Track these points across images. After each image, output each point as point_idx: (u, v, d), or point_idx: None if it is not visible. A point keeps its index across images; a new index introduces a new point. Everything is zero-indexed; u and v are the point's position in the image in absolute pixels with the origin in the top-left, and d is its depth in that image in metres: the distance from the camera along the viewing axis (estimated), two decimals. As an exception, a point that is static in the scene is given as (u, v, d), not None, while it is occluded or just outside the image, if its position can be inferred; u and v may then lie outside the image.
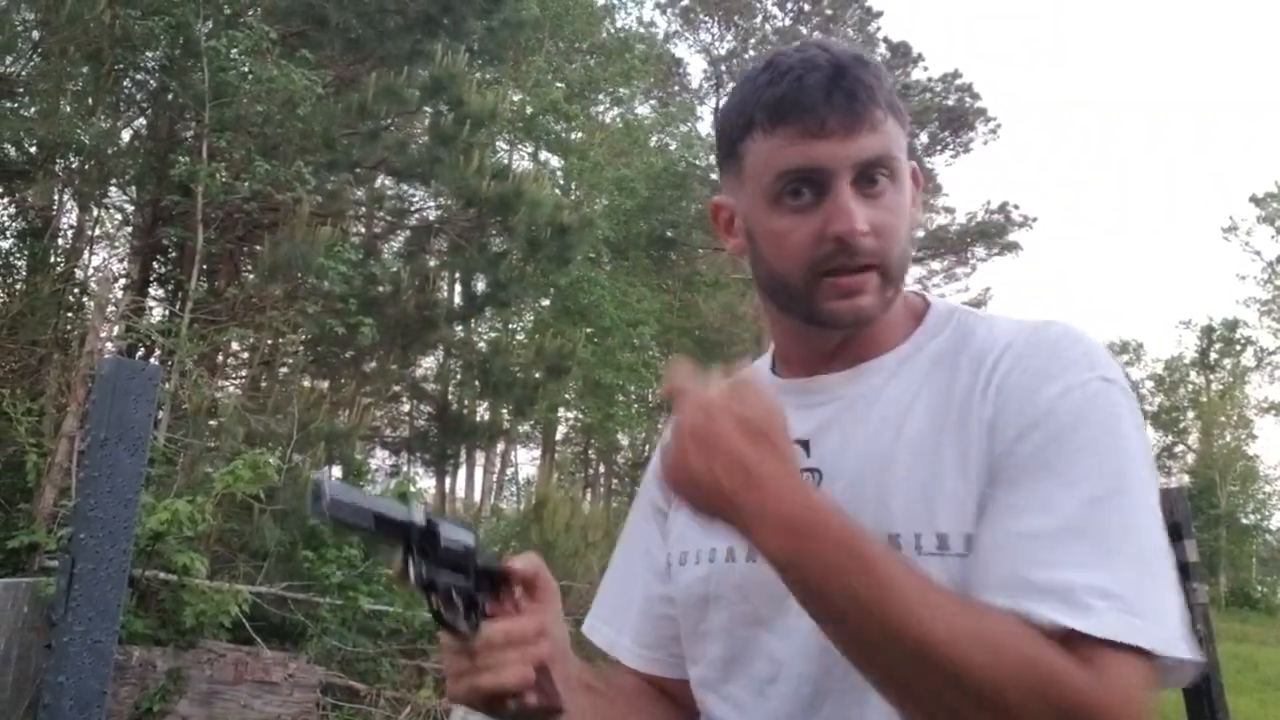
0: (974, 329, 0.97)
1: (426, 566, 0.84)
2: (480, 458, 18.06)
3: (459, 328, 12.03)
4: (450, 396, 12.54)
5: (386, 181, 10.85)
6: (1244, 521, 30.92)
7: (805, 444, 0.96)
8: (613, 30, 18.77)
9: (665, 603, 1.09)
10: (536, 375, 10.67)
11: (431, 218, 11.21)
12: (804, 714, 0.92)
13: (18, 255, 8.61)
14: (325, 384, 10.16)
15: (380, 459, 12.34)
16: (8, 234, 8.67)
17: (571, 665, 0.94)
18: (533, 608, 0.91)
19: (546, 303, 15.20)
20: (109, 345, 7.07)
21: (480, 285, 11.06)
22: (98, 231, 9.44)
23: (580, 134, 16.33)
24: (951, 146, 23.09)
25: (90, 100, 8.21)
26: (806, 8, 22.90)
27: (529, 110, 14.32)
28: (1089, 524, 0.79)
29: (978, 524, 0.85)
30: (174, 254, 8.98)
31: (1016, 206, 23.43)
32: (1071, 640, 0.74)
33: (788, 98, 0.90)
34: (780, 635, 0.94)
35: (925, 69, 23.35)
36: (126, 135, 8.99)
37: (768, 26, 22.88)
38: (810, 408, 0.98)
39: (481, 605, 0.88)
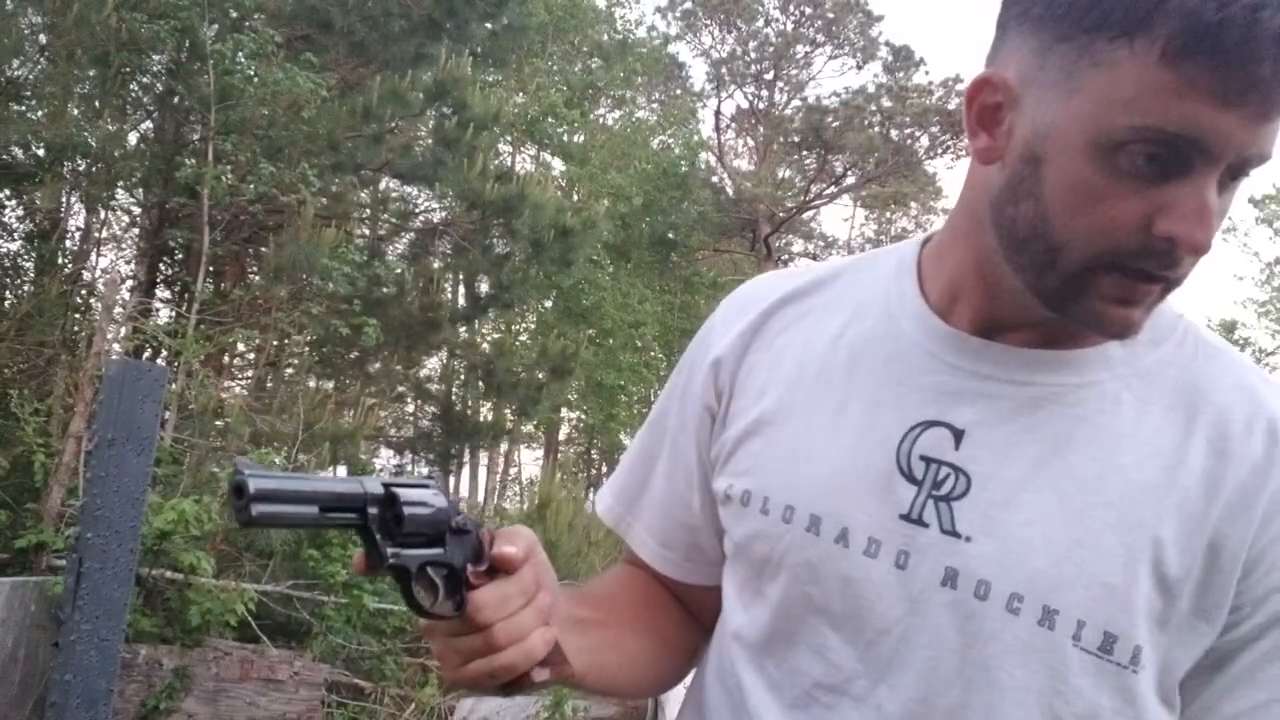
0: (1206, 367, 0.75)
1: (394, 547, 0.70)
2: (484, 458, 18.09)
3: (463, 329, 12.05)
4: (454, 397, 12.57)
5: (391, 184, 10.89)
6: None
7: (958, 433, 0.75)
8: (614, 34, 18.79)
9: (689, 511, 0.92)
10: (539, 376, 10.70)
11: (435, 220, 11.24)
12: None
13: (25, 257, 8.66)
14: (330, 384, 10.20)
15: (385, 459, 12.38)
16: (15, 236, 8.72)
17: (559, 606, 0.80)
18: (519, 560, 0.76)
19: (549, 304, 15.24)
20: (116, 346, 7.12)
21: (484, 287, 11.10)
22: (105, 234, 9.50)
23: (581, 137, 16.37)
24: (952, 150, 23.05)
25: (97, 103, 8.26)
26: (808, 11, 22.90)
27: (531, 113, 14.36)
28: None
29: (1177, 669, 0.71)
30: (180, 256, 9.02)
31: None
32: None
33: (1212, 35, 0.60)
34: (847, 638, 0.77)
35: (927, 73, 23.40)
36: (133, 138, 9.02)
37: (769, 30, 22.88)
38: (980, 379, 0.76)
39: (464, 575, 0.73)
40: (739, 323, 0.89)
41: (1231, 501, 0.70)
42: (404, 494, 0.71)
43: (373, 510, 0.69)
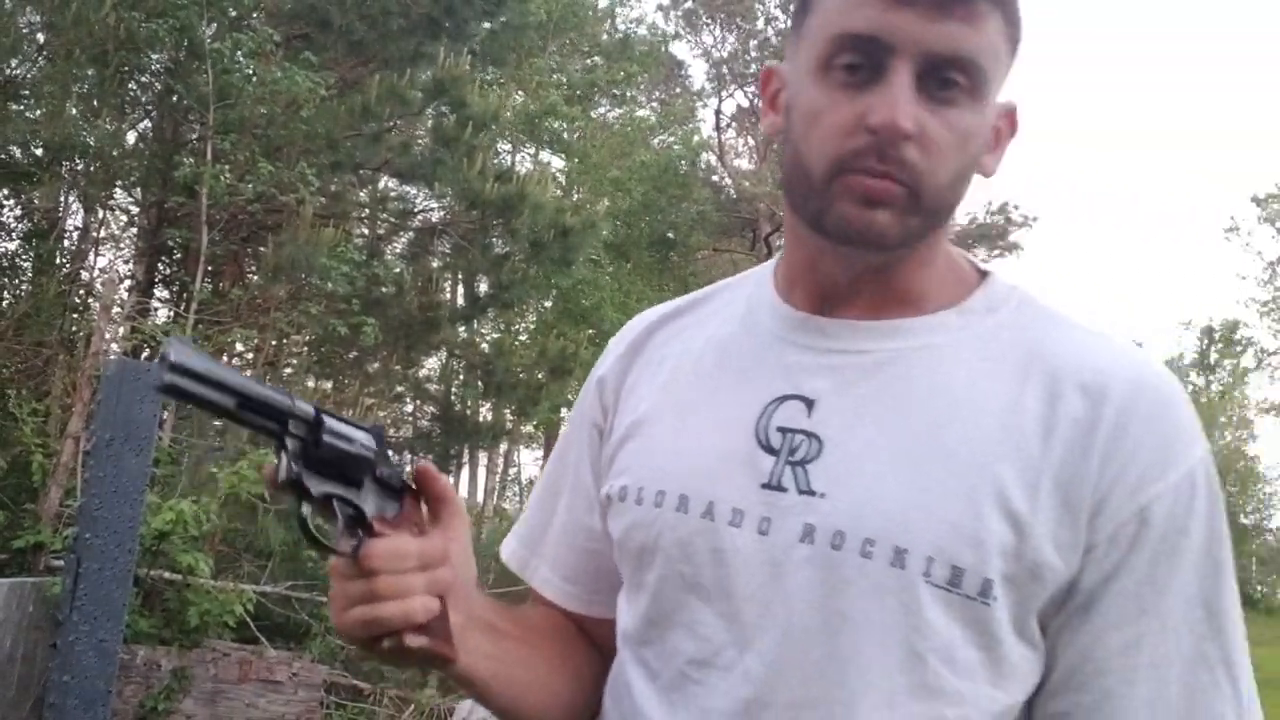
0: (1046, 330, 0.80)
1: (302, 466, 0.71)
2: (483, 458, 18.10)
3: (462, 329, 12.04)
4: (453, 397, 12.56)
5: (390, 183, 10.88)
6: (1244, 522, 30.84)
7: (809, 402, 0.80)
8: (614, 32, 18.78)
9: (591, 535, 0.94)
10: (539, 376, 10.69)
11: (434, 219, 11.23)
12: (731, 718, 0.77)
13: (24, 256, 8.65)
14: (329, 384, 10.19)
15: (383, 459, 12.35)
16: (14, 235, 8.71)
17: (474, 603, 0.82)
18: (436, 531, 0.79)
19: (549, 304, 15.23)
20: (114, 346, 7.11)
21: (483, 286, 11.08)
22: (103, 233, 9.49)
23: (581, 135, 16.36)
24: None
25: (95, 102, 8.24)
26: (809, 9, 22.90)
27: (531, 111, 14.35)
28: (1214, 647, 0.75)
29: (1026, 589, 0.74)
30: (178, 255, 9.01)
31: (1017, 207, 23.40)
32: None
33: None
34: (718, 611, 0.79)
35: (927, 70, 23.33)
36: (131, 137, 9.02)
37: (770, 29, 22.88)
38: (823, 354, 0.82)
39: (370, 522, 0.74)
40: (620, 346, 0.97)
41: (1069, 444, 0.74)
42: (332, 424, 0.73)
43: (295, 429, 0.71)
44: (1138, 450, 0.74)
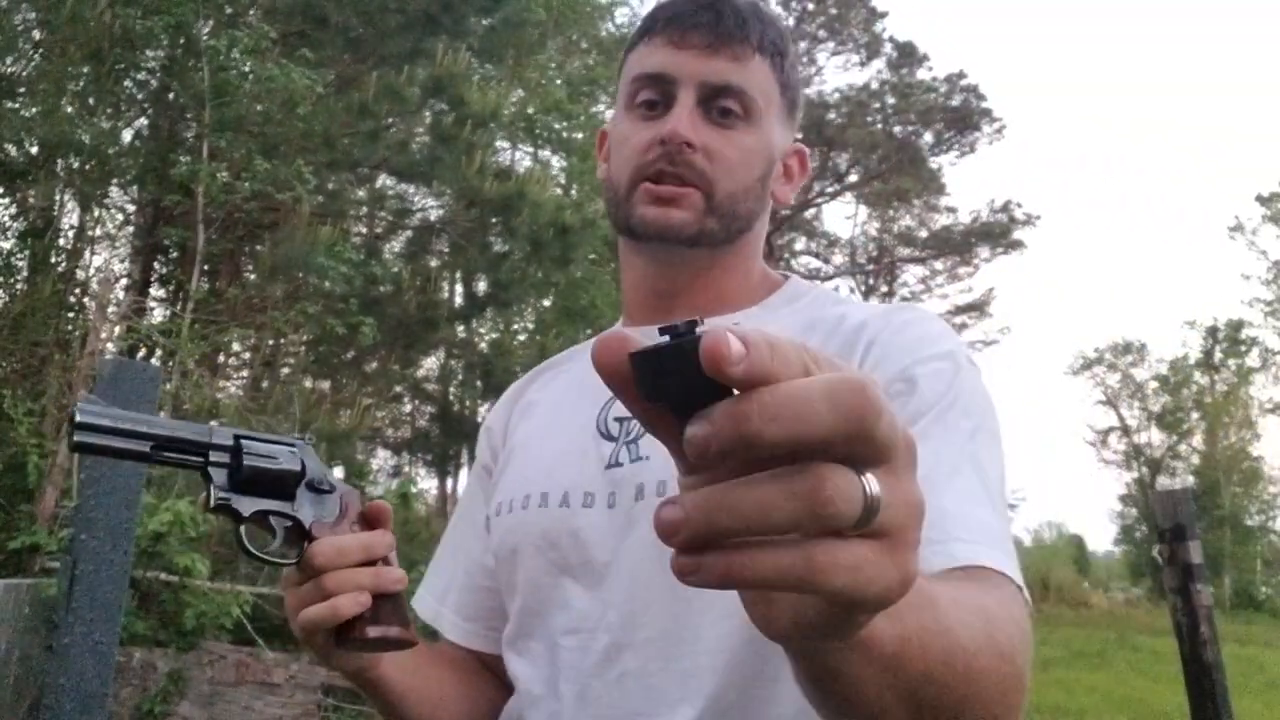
0: (830, 306, 0.96)
1: (233, 493, 0.76)
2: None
3: (460, 328, 12.02)
4: (452, 397, 12.53)
5: (387, 181, 10.85)
6: (1248, 523, 30.85)
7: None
8: (614, 29, 18.76)
9: (486, 573, 1.04)
10: (538, 375, 10.66)
11: (433, 218, 11.20)
12: (598, 667, 0.86)
13: (19, 255, 8.60)
14: (326, 384, 10.16)
15: (382, 459, 12.35)
16: (9, 234, 8.66)
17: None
18: (382, 530, 0.85)
19: (548, 303, 15.21)
20: (110, 346, 7.07)
21: (482, 285, 11.06)
22: (99, 232, 9.44)
23: (581, 134, 16.34)
24: (956, 147, 23.06)
25: (91, 100, 8.21)
26: (810, 7, 22.88)
27: (530, 109, 14.31)
28: (974, 465, 0.80)
29: None
30: (175, 254, 8.98)
31: (1020, 205, 23.40)
32: (979, 571, 0.73)
33: (667, 10, 0.93)
34: (586, 584, 0.88)
35: (930, 69, 23.30)
36: (127, 135, 8.97)
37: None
38: None
39: (308, 529, 0.79)
40: (505, 397, 1.13)
41: (867, 363, 0.86)
42: (251, 446, 0.78)
43: (217, 456, 0.76)
44: (893, 344, 0.86)
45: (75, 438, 0.71)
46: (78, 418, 0.70)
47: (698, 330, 0.37)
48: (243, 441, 0.77)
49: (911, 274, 25.18)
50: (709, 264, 0.94)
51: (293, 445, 0.81)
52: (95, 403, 0.72)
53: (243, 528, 0.78)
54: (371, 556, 0.81)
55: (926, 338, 0.88)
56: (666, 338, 0.39)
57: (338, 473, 8.16)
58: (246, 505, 0.77)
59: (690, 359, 0.37)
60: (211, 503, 0.76)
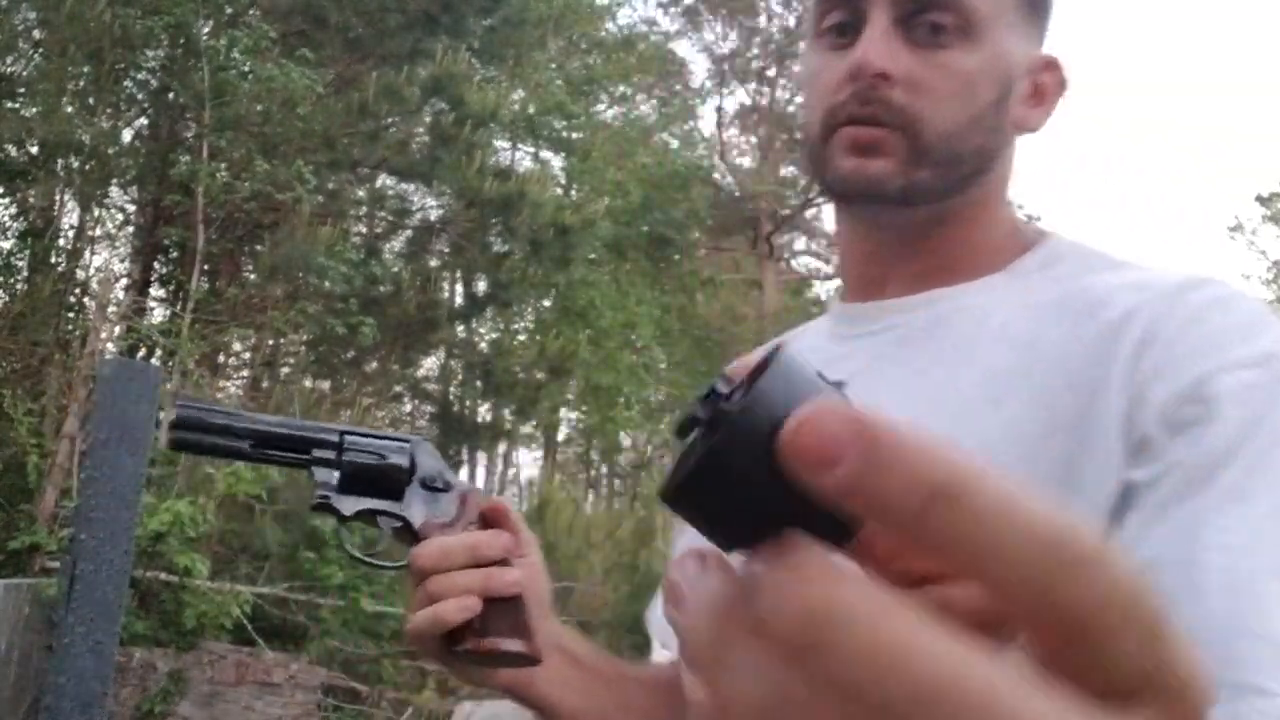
0: (1099, 272, 0.72)
1: (335, 489, 0.73)
2: (482, 458, 18.06)
3: (460, 328, 12.02)
4: (452, 397, 12.53)
5: (387, 181, 10.85)
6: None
7: (840, 385, 0.76)
8: (614, 28, 18.76)
9: None
10: (538, 376, 10.66)
11: (433, 218, 11.20)
12: None
13: (19, 255, 8.60)
14: (326, 384, 10.15)
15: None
16: (9, 234, 8.65)
17: (553, 625, 0.79)
18: (502, 531, 0.78)
19: (548, 303, 15.21)
20: (110, 346, 7.06)
21: (482, 285, 11.06)
22: (99, 231, 9.43)
23: (581, 134, 16.33)
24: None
25: (91, 100, 8.20)
26: (811, 7, 22.91)
27: (531, 109, 14.32)
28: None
29: None
30: (175, 254, 8.97)
31: (1020, 206, 23.44)
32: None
33: None
34: None
35: (928, 69, 23.32)
36: (127, 135, 8.97)
37: (772, 26, 22.89)
38: (860, 337, 0.78)
39: (416, 529, 0.75)
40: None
41: (1131, 379, 0.62)
42: (356, 441, 0.74)
43: (321, 453, 0.73)
44: (1180, 343, 0.62)
45: (173, 435, 0.69)
46: (176, 415, 0.69)
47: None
48: (348, 437, 0.74)
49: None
50: (931, 223, 0.75)
51: (405, 441, 0.78)
52: (193, 401, 0.71)
53: (343, 528, 0.75)
54: (480, 559, 0.74)
55: (1233, 331, 0.63)
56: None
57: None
58: (350, 504, 0.74)
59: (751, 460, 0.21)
60: (313, 502, 0.73)
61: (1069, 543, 0.20)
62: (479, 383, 11.33)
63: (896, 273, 0.77)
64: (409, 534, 0.75)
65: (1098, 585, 0.20)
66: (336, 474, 0.73)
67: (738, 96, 23.62)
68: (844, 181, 0.73)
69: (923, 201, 0.73)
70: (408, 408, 13.53)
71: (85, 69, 7.94)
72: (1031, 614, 0.21)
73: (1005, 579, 0.21)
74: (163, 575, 5.90)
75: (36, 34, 7.88)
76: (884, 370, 0.74)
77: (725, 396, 0.23)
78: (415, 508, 0.75)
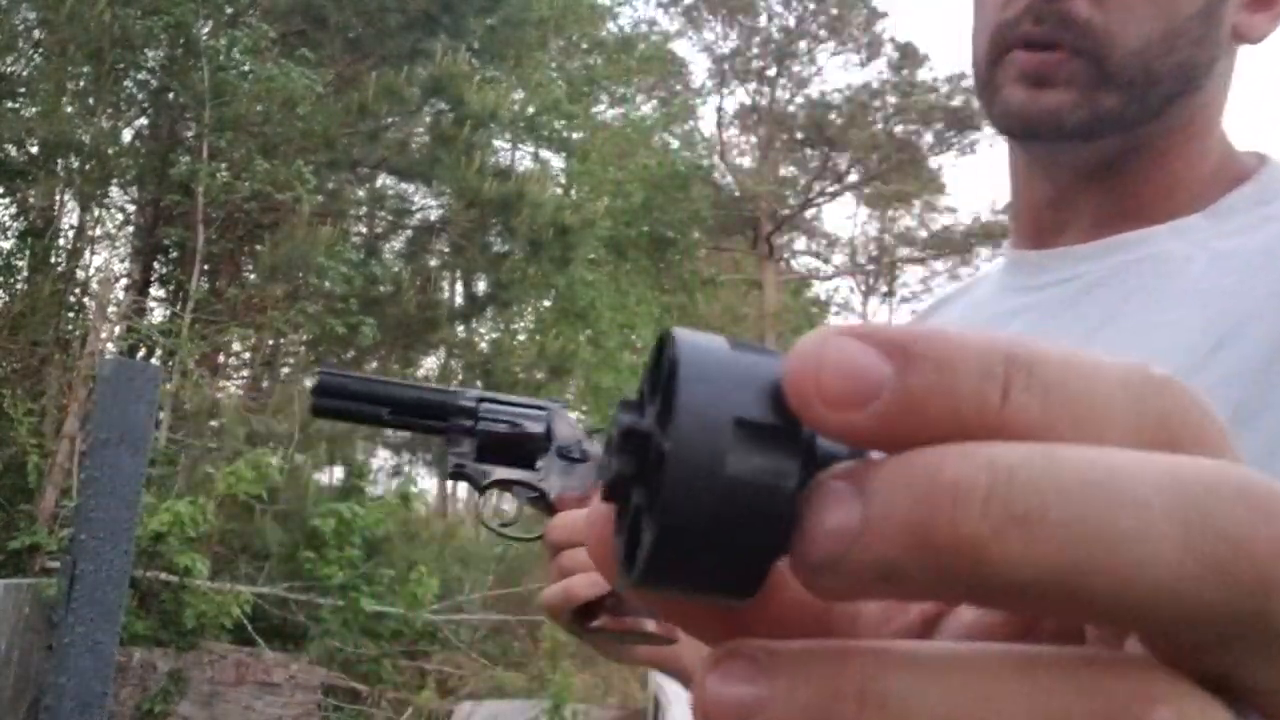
0: None
1: (467, 457, 0.72)
2: (482, 458, 18.07)
3: (460, 328, 12.01)
4: (452, 397, 12.54)
5: (387, 181, 10.84)
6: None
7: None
8: (614, 29, 18.76)
9: None
10: (538, 376, 10.66)
11: (433, 218, 11.19)
12: None
13: (19, 255, 8.59)
14: (326, 384, 10.15)
15: (382, 459, 12.31)
16: (9, 234, 8.65)
17: None
18: None
19: (548, 303, 15.21)
20: (110, 346, 7.06)
21: (481, 285, 11.05)
22: (99, 231, 9.43)
23: (581, 134, 16.33)
24: (957, 147, 23.03)
25: (91, 100, 8.20)
26: (811, 7, 22.87)
27: (530, 109, 14.31)
28: None
29: None
30: (175, 254, 8.97)
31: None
32: None
33: None
34: None
35: (931, 69, 23.28)
36: (127, 135, 8.97)
37: (772, 26, 22.88)
38: (1029, 291, 0.69)
39: (551, 500, 0.73)
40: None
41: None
42: (490, 409, 0.73)
43: (458, 420, 0.73)
44: None
45: (315, 402, 0.70)
46: (318, 381, 0.71)
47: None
48: (483, 404, 0.73)
49: (912, 274, 25.17)
50: (1120, 157, 0.65)
51: (543, 408, 0.75)
52: (334, 369, 0.73)
53: (481, 497, 0.74)
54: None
55: None
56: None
57: (338, 472, 8.16)
58: (485, 473, 0.73)
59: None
60: (448, 471, 0.73)
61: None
62: (479, 383, 11.33)
63: (1077, 216, 0.67)
64: (544, 504, 0.73)
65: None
66: (473, 441, 0.73)
67: (738, 96, 23.63)
68: (1013, 117, 0.64)
69: (1110, 133, 0.63)
70: (408, 407, 13.54)
71: (85, 69, 7.94)
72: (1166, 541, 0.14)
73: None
74: (163, 575, 5.90)
75: (36, 34, 7.87)
76: (1059, 328, 0.65)
77: (641, 434, 0.17)
78: (552, 478, 0.73)
